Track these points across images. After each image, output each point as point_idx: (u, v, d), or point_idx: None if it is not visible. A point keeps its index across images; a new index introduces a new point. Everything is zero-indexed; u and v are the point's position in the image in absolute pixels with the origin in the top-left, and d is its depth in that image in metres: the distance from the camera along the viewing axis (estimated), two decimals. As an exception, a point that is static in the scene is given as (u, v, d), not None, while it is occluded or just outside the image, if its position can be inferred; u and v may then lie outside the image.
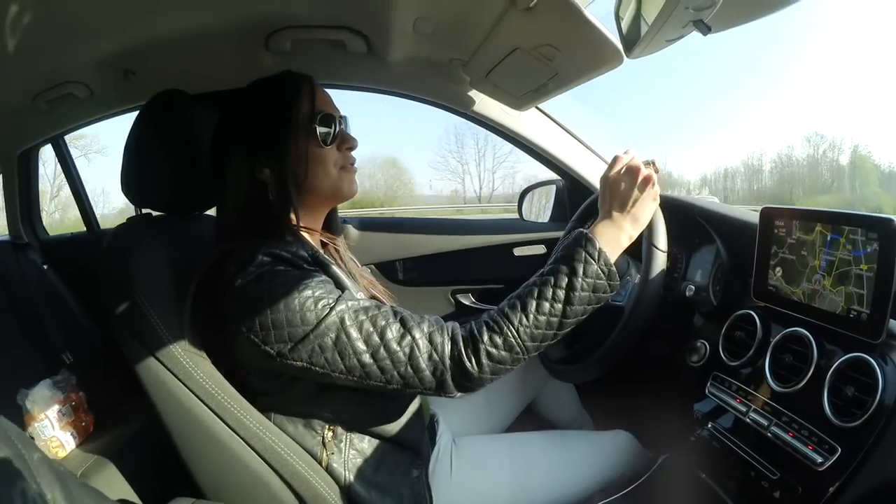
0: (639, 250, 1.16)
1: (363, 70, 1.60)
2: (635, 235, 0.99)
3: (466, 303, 1.89)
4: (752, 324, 1.06)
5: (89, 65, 1.40)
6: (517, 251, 1.88)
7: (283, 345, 0.85)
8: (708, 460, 1.06)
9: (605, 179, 1.01)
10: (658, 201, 1.02)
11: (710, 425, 1.07)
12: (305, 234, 1.02)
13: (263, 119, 0.98)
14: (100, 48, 1.32)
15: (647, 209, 0.99)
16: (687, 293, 1.27)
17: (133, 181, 1.11)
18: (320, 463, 0.95)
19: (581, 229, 0.95)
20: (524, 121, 1.74)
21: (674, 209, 1.16)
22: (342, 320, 0.85)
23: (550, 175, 1.90)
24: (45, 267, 1.90)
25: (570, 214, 1.50)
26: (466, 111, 1.72)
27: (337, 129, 1.01)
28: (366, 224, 1.88)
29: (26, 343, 1.76)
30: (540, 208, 2.01)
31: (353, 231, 1.83)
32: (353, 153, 1.06)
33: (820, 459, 0.84)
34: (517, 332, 0.88)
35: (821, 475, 0.84)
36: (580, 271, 0.90)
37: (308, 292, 0.86)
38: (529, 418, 1.50)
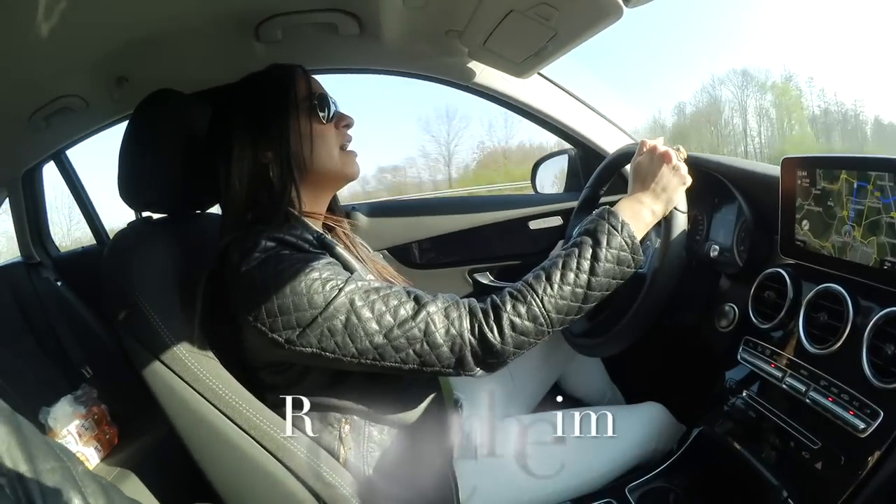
0: None
1: (358, 52, 1.56)
2: (659, 210, 1.01)
3: (485, 282, 1.83)
4: (782, 283, 1.01)
5: (81, 76, 1.37)
6: (533, 224, 1.82)
7: (291, 331, 0.82)
8: (743, 431, 1.02)
9: (632, 164, 1.07)
10: (686, 183, 1.03)
11: (744, 394, 1.03)
12: (309, 220, 1.00)
13: (261, 104, 0.98)
14: (90, 58, 1.30)
15: (669, 185, 1.01)
16: (711, 254, 1.22)
17: (130, 185, 1.09)
18: (338, 459, 0.93)
19: (603, 207, 0.96)
20: (529, 89, 1.68)
21: (689, 167, 1.12)
22: (352, 301, 0.83)
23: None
24: (59, 283, 1.90)
25: (585, 184, 1.46)
26: (468, 84, 1.67)
27: (333, 108, 1.03)
28: (375, 209, 1.84)
29: (46, 361, 1.76)
30: (553, 180, 1.96)
31: (362, 217, 1.78)
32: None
33: (862, 425, 0.80)
34: (542, 301, 0.87)
35: (863, 442, 0.79)
36: (604, 242, 0.90)
37: (315, 274, 0.83)
38: (557, 397, 1.43)
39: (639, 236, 0.94)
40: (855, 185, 0.88)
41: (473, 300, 0.89)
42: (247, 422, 0.91)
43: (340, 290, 0.83)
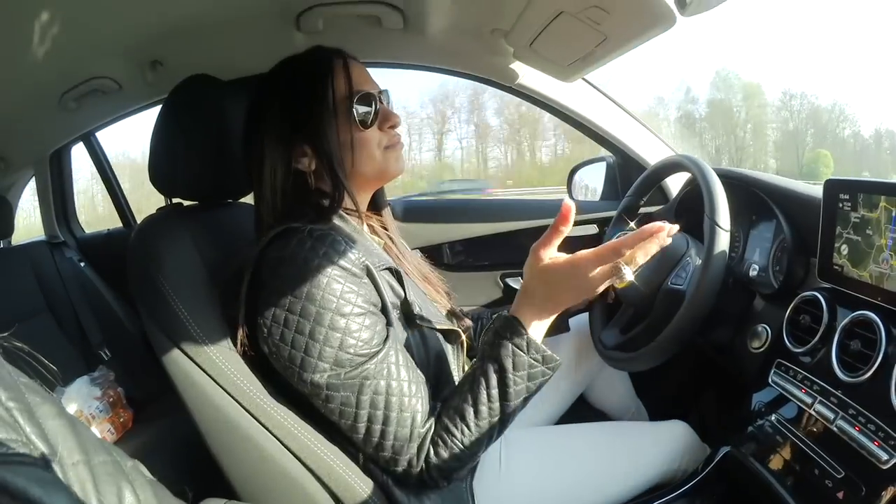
0: (699, 229, 1.09)
1: (400, 46, 1.55)
2: (557, 314, 0.88)
3: (516, 286, 1.81)
4: (818, 307, 0.99)
5: (115, 58, 1.38)
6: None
7: (292, 368, 0.81)
8: (769, 455, 0.99)
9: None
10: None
11: (772, 417, 1.01)
12: (354, 220, 0.97)
13: (297, 104, 0.92)
14: (124, 40, 1.30)
15: (572, 295, 0.85)
16: (751, 273, 1.20)
17: (161, 170, 1.07)
18: (357, 462, 0.91)
19: (504, 313, 0.87)
20: (572, 93, 1.66)
21: (727, 182, 1.09)
22: (360, 387, 0.81)
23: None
24: (83, 264, 1.92)
25: (622, 192, 1.44)
26: (511, 85, 1.65)
27: (377, 107, 0.94)
28: (409, 211, 1.83)
29: (65, 341, 1.78)
30: (590, 186, 1.94)
31: (396, 217, 1.77)
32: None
33: (885, 456, 0.78)
34: (463, 443, 0.84)
35: (884, 474, 0.78)
36: (509, 366, 0.83)
37: (341, 324, 0.80)
38: (582, 408, 1.44)
39: (541, 337, 0.87)
40: (894, 214, 0.87)
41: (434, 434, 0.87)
42: (270, 419, 0.89)
43: (354, 367, 0.80)
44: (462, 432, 0.84)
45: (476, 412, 0.84)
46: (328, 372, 0.80)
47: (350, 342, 0.80)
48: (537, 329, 0.86)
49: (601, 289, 0.80)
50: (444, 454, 0.84)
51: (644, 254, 0.76)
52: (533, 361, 0.84)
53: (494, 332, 0.86)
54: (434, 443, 0.84)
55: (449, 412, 0.86)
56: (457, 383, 0.92)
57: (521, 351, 0.83)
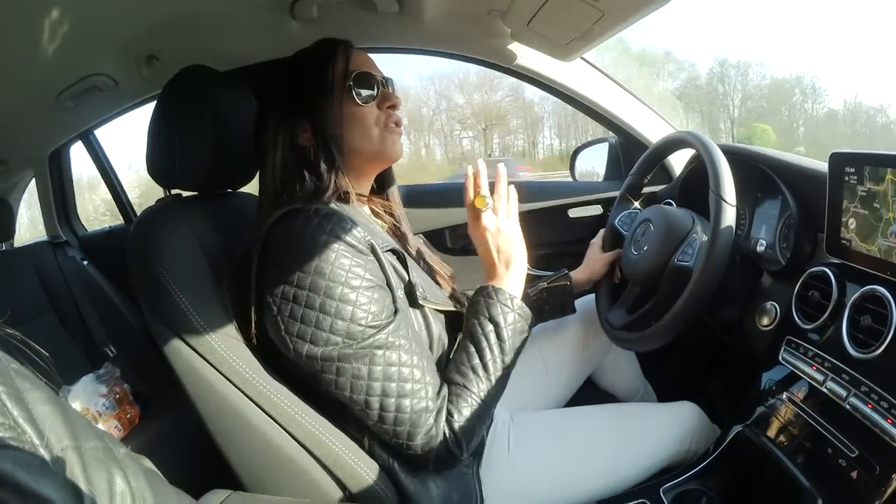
0: (705, 205, 1.08)
1: (397, 30, 1.55)
2: (520, 271, 1.01)
3: None
4: (827, 282, 0.97)
5: (110, 55, 1.38)
6: (572, 213, 1.81)
7: (302, 343, 0.81)
8: (781, 434, 0.98)
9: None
10: (507, 229, 1.02)
11: (784, 396, 0.99)
12: (356, 203, 0.98)
13: (299, 81, 0.96)
14: (118, 36, 1.30)
15: (503, 247, 1.00)
16: (758, 249, 1.18)
17: (159, 162, 1.07)
18: (363, 447, 0.91)
19: (482, 286, 0.98)
20: (571, 73, 1.65)
21: (732, 158, 1.08)
22: (372, 357, 0.82)
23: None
24: (85, 262, 1.92)
25: (625, 172, 1.42)
26: (509, 66, 1.64)
27: (378, 89, 0.98)
28: (412, 193, 1.81)
29: (69, 340, 1.78)
30: (593, 168, 1.95)
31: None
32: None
33: (899, 434, 0.76)
34: (482, 397, 0.89)
35: None
36: (502, 322, 0.92)
37: (352, 297, 0.81)
38: (590, 391, 1.43)
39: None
40: (900, 186, 0.85)
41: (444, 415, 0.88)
42: (274, 408, 0.89)
43: (365, 339, 0.82)
44: (478, 386, 0.89)
45: (484, 366, 0.90)
46: (340, 345, 0.81)
47: (360, 315, 0.81)
48: (511, 289, 0.97)
49: (489, 230, 0.99)
50: (466, 412, 0.87)
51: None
52: (518, 316, 0.94)
53: (480, 297, 0.96)
54: (452, 402, 0.87)
55: (461, 369, 0.91)
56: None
57: (508, 307, 0.94)
